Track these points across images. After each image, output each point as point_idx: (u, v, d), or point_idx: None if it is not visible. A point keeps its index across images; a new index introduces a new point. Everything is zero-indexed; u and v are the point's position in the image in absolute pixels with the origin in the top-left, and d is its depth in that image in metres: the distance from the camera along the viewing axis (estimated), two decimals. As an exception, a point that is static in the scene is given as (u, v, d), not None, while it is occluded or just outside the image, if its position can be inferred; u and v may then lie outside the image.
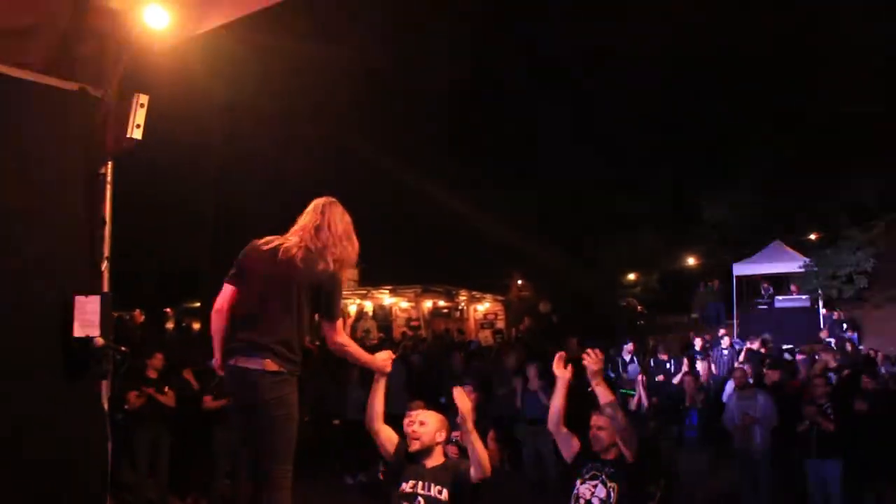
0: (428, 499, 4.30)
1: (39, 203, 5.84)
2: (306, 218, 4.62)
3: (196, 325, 19.24)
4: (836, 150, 21.96)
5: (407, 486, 4.43)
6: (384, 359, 4.67)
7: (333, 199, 4.73)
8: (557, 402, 4.90)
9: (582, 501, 4.61)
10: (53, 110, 6.08)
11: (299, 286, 4.28)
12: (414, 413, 4.86)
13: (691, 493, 8.83)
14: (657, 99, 25.66)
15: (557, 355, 4.95)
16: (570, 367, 4.84)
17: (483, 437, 6.32)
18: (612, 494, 4.51)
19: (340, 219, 4.59)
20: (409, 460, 4.53)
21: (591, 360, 4.64)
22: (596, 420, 4.79)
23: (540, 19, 22.08)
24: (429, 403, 10.37)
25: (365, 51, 13.15)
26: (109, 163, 6.35)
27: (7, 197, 5.67)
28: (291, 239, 4.49)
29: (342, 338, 4.38)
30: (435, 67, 17.76)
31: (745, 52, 23.59)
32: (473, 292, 24.32)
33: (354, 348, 4.54)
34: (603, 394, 4.65)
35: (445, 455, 4.64)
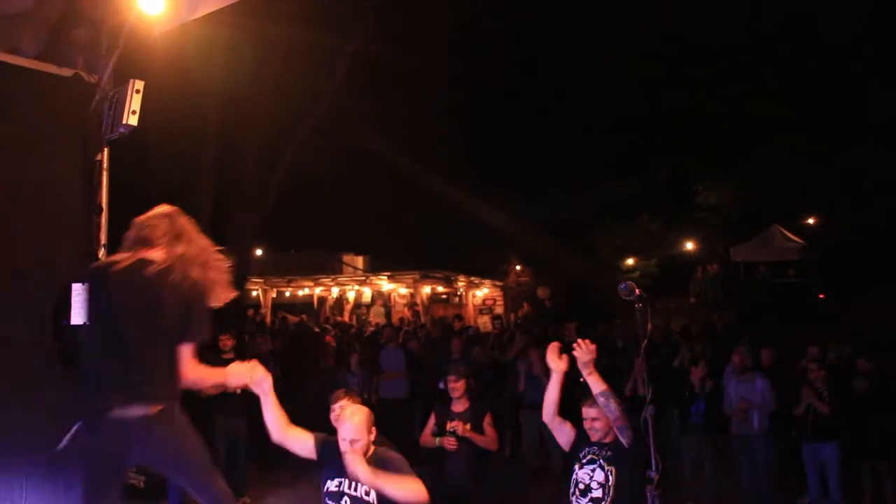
0: (355, 499, 4.09)
1: (35, 190, 5.83)
2: (156, 230, 3.89)
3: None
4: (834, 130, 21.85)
5: (332, 485, 4.19)
6: (239, 372, 4.05)
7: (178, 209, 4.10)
8: (553, 394, 4.77)
9: (581, 486, 4.61)
10: (48, 97, 6.07)
11: (171, 307, 3.71)
12: (339, 405, 4.60)
13: (693, 477, 8.88)
14: (654, 82, 25.62)
15: (551, 346, 4.81)
16: (564, 358, 4.71)
17: (481, 423, 6.37)
18: (610, 478, 4.51)
19: (197, 230, 4.05)
20: (333, 456, 4.17)
21: (582, 351, 4.50)
22: (587, 412, 4.70)
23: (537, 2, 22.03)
24: (428, 389, 10.45)
25: (362, 36, 13.11)
26: (105, 149, 6.34)
27: (2, 184, 5.66)
28: (153, 254, 3.79)
29: (195, 372, 3.85)
30: (433, 53, 17.68)
31: (741, 32, 23.54)
32: (472, 278, 24.32)
33: (206, 373, 4.03)
34: (595, 383, 4.53)
35: (372, 450, 4.18)
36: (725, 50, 23.68)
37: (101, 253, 6.21)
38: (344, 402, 4.62)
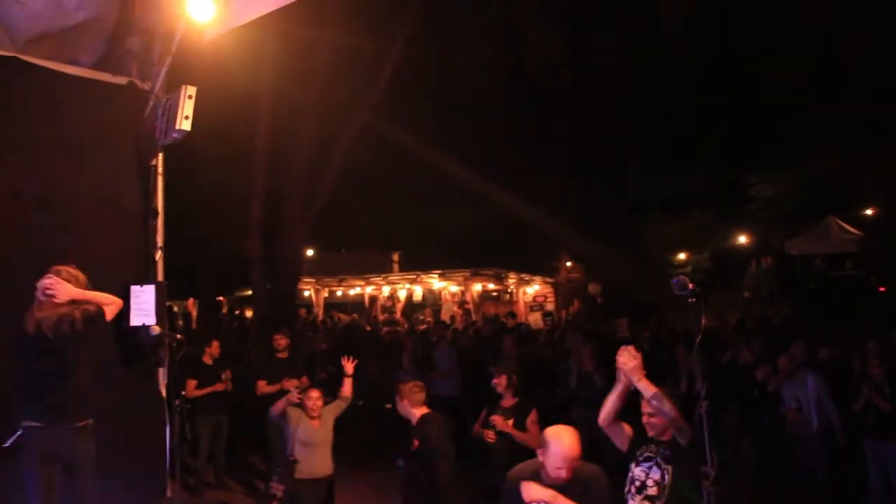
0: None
1: (93, 194, 6.00)
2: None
3: (248, 313, 19.57)
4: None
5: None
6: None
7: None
8: (615, 401, 4.61)
9: (637, 483, 4.55)
10: (104, 104, 6.24)
11: None
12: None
13: (753, 476, 8.71)
14: (706, 71, 25.20)
15: (624, 349, 4.54)
16: (638, 361, 4.56)
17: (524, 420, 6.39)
18: (666, 476, 4.45)
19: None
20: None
21: (626, 357, 4.39)
22: (645, 406, 4.62)
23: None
24: (479, 387, 10.46)
25: (408, 34, 13.13)
26: (160, 154, 6.50)
27: (63, 191, 5.84)
28: None
29: None
30: (479, 49, 17.65)
31: (795, 20, 23.04)
32: (522, 275, 24.22)
33: None
34: (646, 388, 4.43)
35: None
36: (781, 38, 23.19)
37: (158, 255, 6.37)
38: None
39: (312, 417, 6.49)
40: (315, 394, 6.60)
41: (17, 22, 5.72)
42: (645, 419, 4.59)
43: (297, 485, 6.36)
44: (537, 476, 4.41)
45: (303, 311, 19.29)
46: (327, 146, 12.30)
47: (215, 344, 8.95)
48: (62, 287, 4.63)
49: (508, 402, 6.60)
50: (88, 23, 6.12)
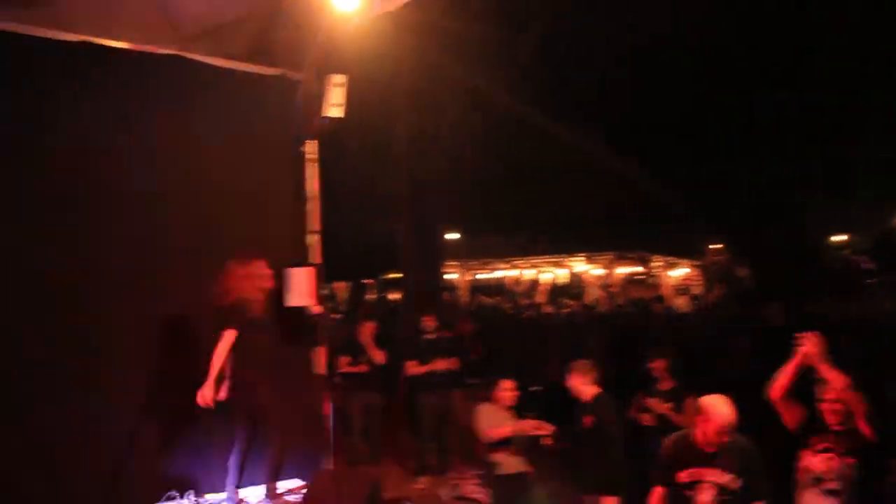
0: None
1: (249, 183, 6.29)
2: None
3: (396, 296, 20.04)
4: None
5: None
6: None
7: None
8: (787, 373, 4.48)
9: (814, 473, 4.32)
10: (257, 95, 6.52)
11: None
12: None
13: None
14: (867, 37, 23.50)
15: (808, 335, 4.42)
16: (817, 342, 4.38)
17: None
18: (846, 469, 4.20)
19: None
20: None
21: (809, 343, 4.23)
22: (828, 394, 4.35)
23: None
24: (626, 371, 10.27)
25: (552, 26, 12.92)
26: (312, 141, 6.73)
27: (221, 178, 6.15)
28: None
29: None
30: (624, 36, 17.18)
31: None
32: (668, 258, 23.62)
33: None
34: (834, 377, 4.19)
35: None
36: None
37: (313, 239, 6.61)
38: None
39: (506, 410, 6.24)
40: (508, 384, 6.28)
41: (180, 19, 6.05)
42: (826, 407, 4.35)
43: (497, 482, 6.13)
44: (687, 442, 4.37)
45: (446, 295, 19.57)
46: (472, 130, 12.35)
47: (368, 325, 9.14)
48: None
49: (666, 385, 6.61)
50: (241, 18, 6.41)
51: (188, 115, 6.04)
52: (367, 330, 8.85)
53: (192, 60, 6.16)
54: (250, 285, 5.19)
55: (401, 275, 12.73)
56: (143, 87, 5.87)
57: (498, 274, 24.99)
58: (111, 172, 5.61)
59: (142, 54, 5.94)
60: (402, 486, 7.79)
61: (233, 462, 5.28)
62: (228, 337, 5.04)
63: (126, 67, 5.82)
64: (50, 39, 5.48)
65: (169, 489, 5.55)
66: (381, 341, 8.78)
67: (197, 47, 6.23)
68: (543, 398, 10.46)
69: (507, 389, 6.22)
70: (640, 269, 23.88)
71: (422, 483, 7.96)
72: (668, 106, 24.94)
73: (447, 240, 15.59)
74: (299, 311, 6.11)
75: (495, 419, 6.07)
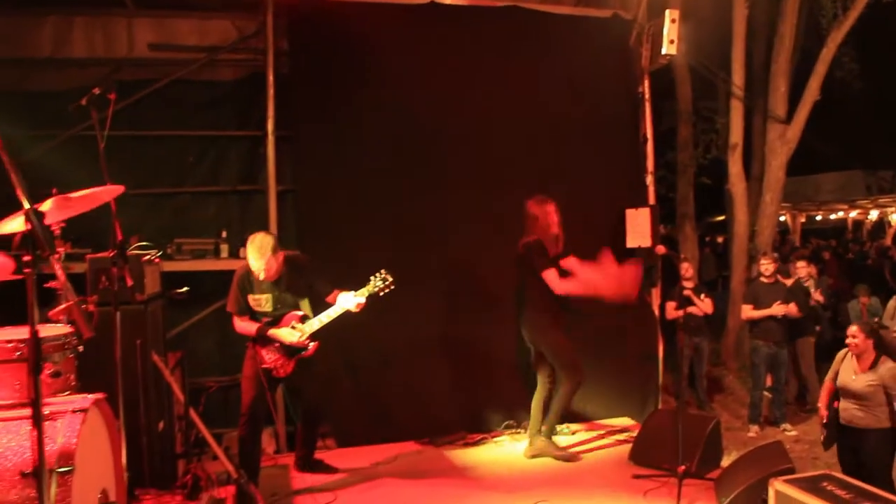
0: None
1: (588, 124, 6.38)
2: None
3: (720, 239, 19.25)
4: None
5: None
6: None
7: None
8: None
9: None
10: (591, 38, 6.56)
11: None
12: None
13: None
14: None
15: None
16: None
17: None
18: None
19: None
20: None
21: None
22: None
23: None
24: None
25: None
26: (646, 81, 6.66)
27: (559, 121, 6.30)
28: None
29: None
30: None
31: None
32: None
33: None
34: None
35: None
36: None
37: (649, 179, 6.57)
38: None
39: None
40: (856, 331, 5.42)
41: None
42: None
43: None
44: None
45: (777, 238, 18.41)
46: (807, 67, 11.35)
47: (688, 266, 8.83)
48: None
49: None
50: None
51: (531, 63, 6.25)
52: (686, 272, 8.51)
53: (527, 9, 6.36)
54: (545, 225, 5.15)
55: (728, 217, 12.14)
56: (484, 39, 6.16)
57: (835, 216, 22.99)
58: (467, 127, 6.04)
59: (481, 8, 6.24)
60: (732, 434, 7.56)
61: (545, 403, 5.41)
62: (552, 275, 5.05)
63: (469, 21, 6.17)
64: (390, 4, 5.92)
65: (507, 420, 5.98)
66: (707, 285, 8.50)
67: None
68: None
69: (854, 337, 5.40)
70: None
71: (753, 432, 7.65)
72: None
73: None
74: (641, 252, 6.08)
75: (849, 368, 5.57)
